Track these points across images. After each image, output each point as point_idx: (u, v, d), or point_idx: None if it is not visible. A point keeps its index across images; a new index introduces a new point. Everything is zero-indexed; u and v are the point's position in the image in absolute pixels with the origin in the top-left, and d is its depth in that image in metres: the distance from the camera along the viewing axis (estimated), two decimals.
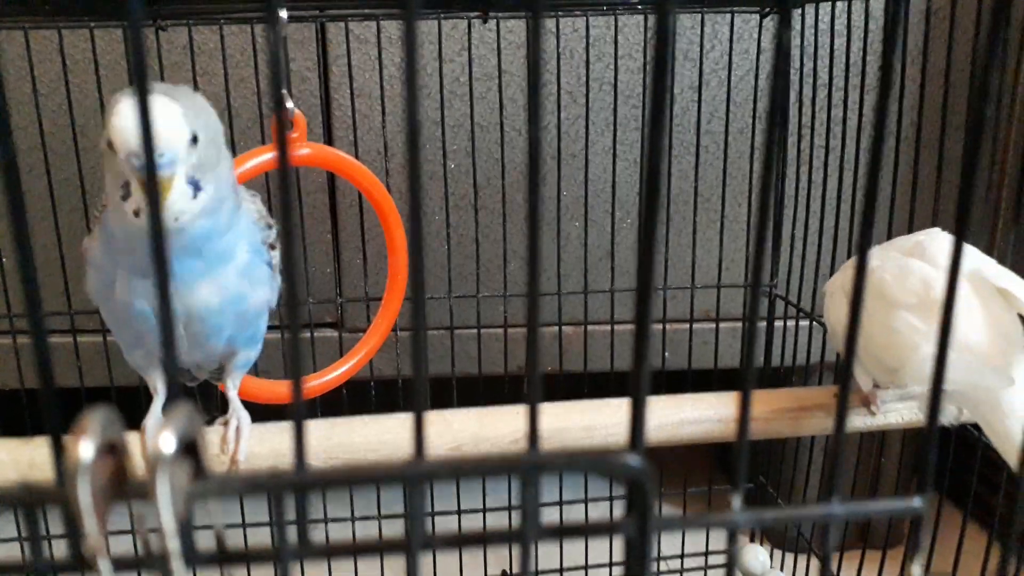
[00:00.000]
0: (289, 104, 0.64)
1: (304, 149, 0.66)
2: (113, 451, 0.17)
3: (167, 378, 0.18)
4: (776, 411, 0.51)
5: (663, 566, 0.86)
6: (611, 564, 0.84)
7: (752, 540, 0.84)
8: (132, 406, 0.45)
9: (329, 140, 0.87)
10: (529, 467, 0.18)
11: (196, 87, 0.78)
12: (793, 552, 0.87)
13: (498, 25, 0.81)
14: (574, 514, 0.91)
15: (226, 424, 0.49)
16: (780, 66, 0.19)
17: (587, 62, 0.81)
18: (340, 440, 0.48)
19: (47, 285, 0.81)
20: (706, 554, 0.85)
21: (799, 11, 0.80)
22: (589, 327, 0.86)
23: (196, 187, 0.42)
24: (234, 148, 0.79)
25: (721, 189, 0.86)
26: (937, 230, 0.54)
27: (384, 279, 0.74)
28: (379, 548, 0.17)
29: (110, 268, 0.46)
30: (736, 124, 0.88)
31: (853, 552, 0.78)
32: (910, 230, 0.70)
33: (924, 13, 0.74)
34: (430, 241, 0.89)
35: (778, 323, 0.85)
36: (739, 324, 0.89)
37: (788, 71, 0.83)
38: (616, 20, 0.81)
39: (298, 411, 0.18)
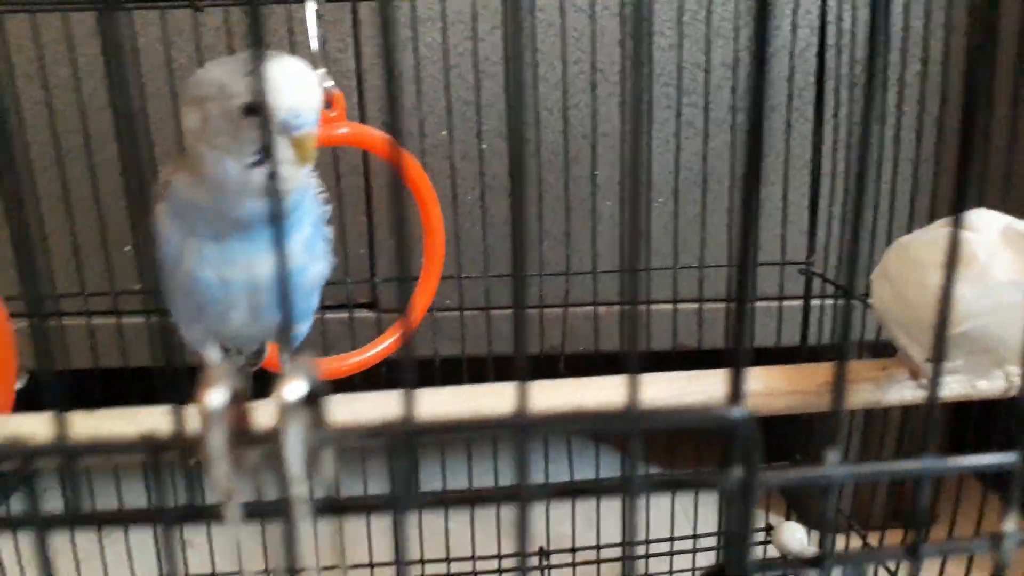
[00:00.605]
0: (329, 83, 0.65)
1: (343, 128, 0.66)
2: (236, 400, 0.17)
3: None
4: (822, 384, 0.51)
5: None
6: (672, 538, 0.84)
7: (789, 518, 0.84)
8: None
9: (363, 118, 0.87)
10: (635, 420, 0.18)
11: None
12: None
13: (532, 3, 0.81)
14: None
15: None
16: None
17: (621, 40, 0.81)
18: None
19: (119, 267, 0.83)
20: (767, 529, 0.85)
21: None
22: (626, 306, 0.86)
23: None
24: None
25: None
26: (983, 209, 0.54)
27: (419, 259, 0.74)
28: (495, 497, 0.18)
29: (179, 238, 0.46)
30: (770, 102, 0.87)
31: (893, 531, 0.78)
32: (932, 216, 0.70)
33: None
34: (462, 222, 0.89)
35: (815, 301, 0.85)
36: (774, 304, 0.89)
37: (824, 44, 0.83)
38: None
39: (409, 368, 0.18)
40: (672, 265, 0.86)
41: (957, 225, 0.24)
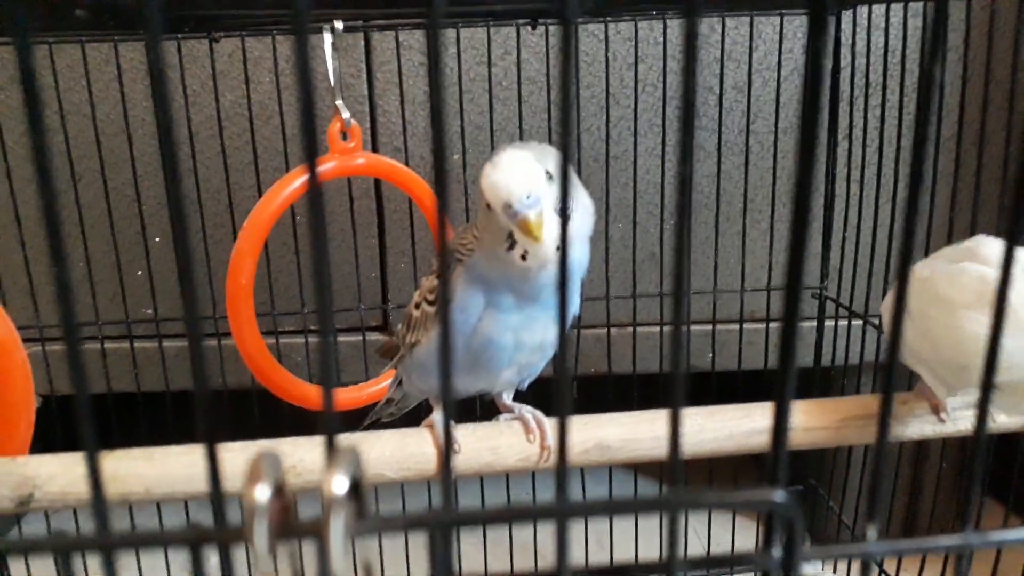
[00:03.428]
0: (346, 115, 0.65)
1: (360, 159, 0.66)
2: (279, 492, 0.17)
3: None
4: (844, 419, 0.51)
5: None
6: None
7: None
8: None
9: (375, 146, 0.87)
10: (678, 506, 0.18)
11: (248, 96, 0.79)
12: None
13: (547, 31, 0.81)
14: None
15: (519, 419, 0.53)
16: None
17: (635, 63, 0.81)
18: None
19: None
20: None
21: (848, 12, 0.79)
22: (638, 328, 0.86)
23: (566, 213, 0.45)
24: (286, 159, 0.80)
25: (771, 189, 0.86)
26: (982, 236, 0.53)
27: None
28: None
29: (477, 306, 0.51)
30: (782, 123, 0.87)
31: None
32: (949, 241, 0.70)
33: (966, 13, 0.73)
34: None
35: (828, 324, 0.84)
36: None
37: (827, 74, 0.83)
38: (665, 25, 0.80)
39: (447, 456, 0.18)
40: (667, 291, 0.86)
41: (1006, 269, 0.24)
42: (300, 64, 0.17)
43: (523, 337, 0.51)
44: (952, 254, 0.51)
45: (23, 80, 0.17)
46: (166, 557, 0.81)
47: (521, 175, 0.45)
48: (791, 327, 0.20)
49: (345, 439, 0.50)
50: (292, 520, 0.17)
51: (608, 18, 0.80)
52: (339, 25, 0.63)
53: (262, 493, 0.16)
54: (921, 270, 0.51)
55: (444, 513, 0.17)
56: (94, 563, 0.71)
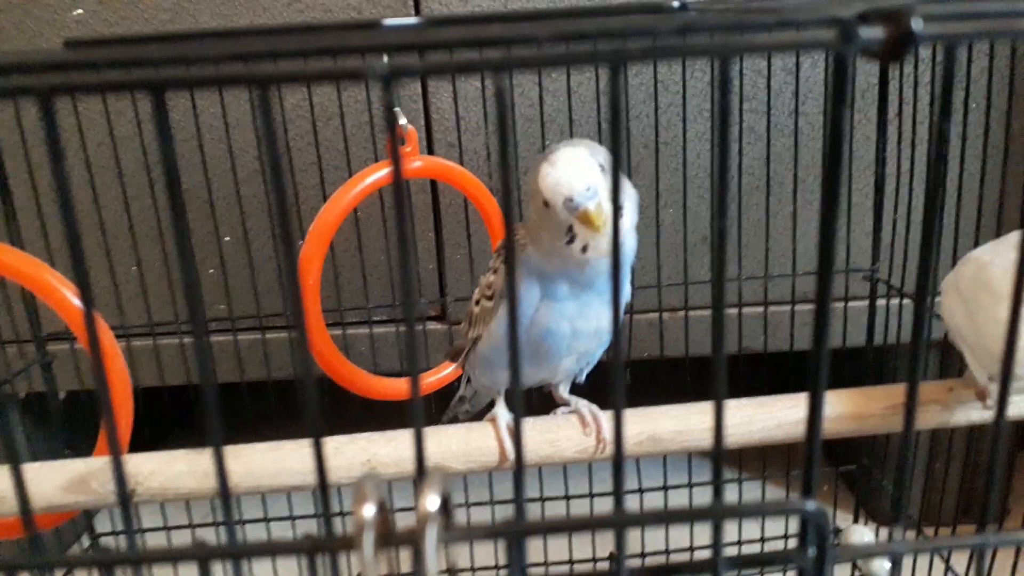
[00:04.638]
0: (402, 120, 0.68)
1: (416, 162, 0.70)
2: (381, 509, 0.20)
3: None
4: (891, 407, 0.52)
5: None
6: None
7: (856, 520, 0.85)
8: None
9: (429, 142, 0.90)
10: (722, 516, 0.21)
11: (311, 104, 0.82)
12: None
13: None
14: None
15: (575, 412, 0.56)
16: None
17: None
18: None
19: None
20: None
21: None
22: (691, 312, 0.88)
23: (619, 206, 0.48)
24: (349, 166, 0.84)
25: (821, 170, 0.86)
26: None
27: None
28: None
29: (533, 298, 0.53)
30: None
31: (965, 527, 0.79)
32: (998, 224, 0.70)
33: None
34: None
35: (880, 303, 0.85)
36: (839, 305, 0.90)
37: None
38: None
39: (519, 459, 0.21)
40: (710, 277, 0.88)
41: None
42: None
43: (579, 324, 0.53)
44: (1016, 239, 0.51)
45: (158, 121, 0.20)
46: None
47: (579, 170, 0.48)
48: (820, 344, 0.22)
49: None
50: (392, 531, 0.20)
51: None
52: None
53: (369, 511, 0.20)
54: (983, 254, 0.52)
55: (517, 524, 0.21)
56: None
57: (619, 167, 0.23)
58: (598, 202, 0.47)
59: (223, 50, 0.20)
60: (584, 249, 0.49)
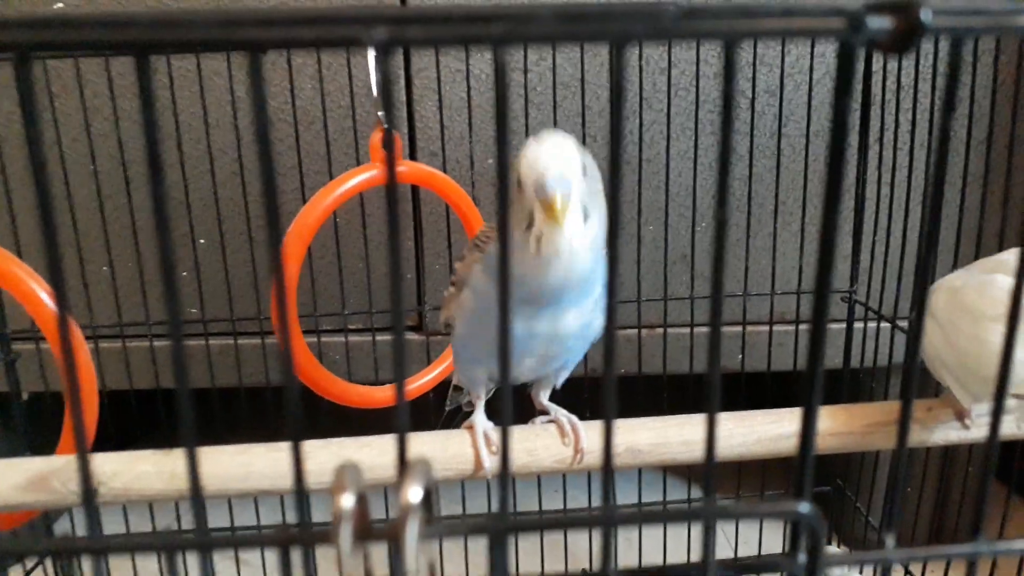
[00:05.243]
0: (387, 125, 0.67)
1: (401, 167, 0.69)
2: (360, 500, 0.19)
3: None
4: (872, 425, 0.52)
5: None
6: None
7: (829, 543, 0.85)
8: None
9: (412, 150, 0.90)
10: (712, 516, 0.20)
11: (293, 108, 0.81)
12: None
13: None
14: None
15: (554, 422, 0.55)
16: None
17: (668, 68, 0.83)
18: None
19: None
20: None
21: None
22: (670, 330, 0.87)
23: (586, 215, 0.47)
24: (330, 170, 0.83)
25: (802, 192, 0.87)
26: (1019, 248, 0.54)
27: None
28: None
29: (492, 294, 0.51)
30: (814, 127, 0.88)
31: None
32: (978, 246, 0.71)
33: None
34: None
35: (858, 326, 0.85)
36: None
37: (856, 81, 0.83)
38: None
39: (505, 452, 0.20)
40: (698, 294, 0.87)
41: (1021, 278, 0.26)
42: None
43: (535, 327, 0.51)
44: (986, 265, 0.52)
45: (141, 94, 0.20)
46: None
47: (559, 155, 0.46)
48: (816, 357, 0.22)
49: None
50: (370, 524, 0.19)
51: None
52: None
53: (347, 501, 0.19)
54: (954, 280, 0.52)
55: (500, 520, 0.20)
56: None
57: (618, 152, 0.23)
58: (567, 195, 0.45)
59: (212, 18, 0.19)
60: (538, 242, 0.46)
